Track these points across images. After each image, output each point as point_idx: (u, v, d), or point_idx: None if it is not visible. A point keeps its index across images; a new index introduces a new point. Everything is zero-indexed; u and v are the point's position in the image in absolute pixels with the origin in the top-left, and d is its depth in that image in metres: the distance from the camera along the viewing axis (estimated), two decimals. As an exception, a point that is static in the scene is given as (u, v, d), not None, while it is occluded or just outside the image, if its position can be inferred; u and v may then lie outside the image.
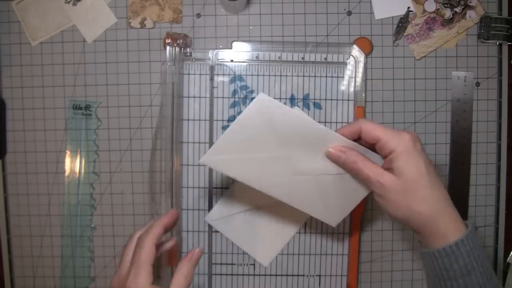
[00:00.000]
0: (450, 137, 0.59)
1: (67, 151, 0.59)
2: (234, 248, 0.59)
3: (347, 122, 0.58)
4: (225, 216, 0.58)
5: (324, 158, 0.48)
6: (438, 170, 0.59)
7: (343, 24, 0.58)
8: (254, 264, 0.59)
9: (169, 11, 0.58)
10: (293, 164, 0.48)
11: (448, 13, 0.58)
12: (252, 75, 0.58)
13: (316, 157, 0.48)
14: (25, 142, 0.59)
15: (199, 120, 0.58)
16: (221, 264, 0.59)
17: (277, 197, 0.49)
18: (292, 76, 0.58)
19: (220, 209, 0.58)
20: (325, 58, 0.58)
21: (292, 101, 0.58)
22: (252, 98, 0.58)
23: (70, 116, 0.59)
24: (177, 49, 0.55)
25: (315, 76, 0.58)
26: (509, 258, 0.60)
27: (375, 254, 0.60)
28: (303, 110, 0.58)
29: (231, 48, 0.58)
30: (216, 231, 0.59)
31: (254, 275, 0.59)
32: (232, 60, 0.58)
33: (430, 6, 0.58)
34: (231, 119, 0.58)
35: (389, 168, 0.42)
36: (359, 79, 0.58)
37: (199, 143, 0.58)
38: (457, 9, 0.58)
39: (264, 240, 0.58)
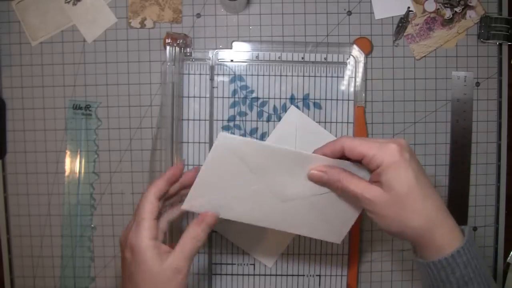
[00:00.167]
0: (450, 137, 0.59)
1: (67, 151, 0.59)
2: (234, 248, 0.59)
3: (347, 122, 0.58)
4: (226, 219, 0.58)
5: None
6: (438, 170, 0.59)
7: (343, 24, 0.58)
8: (254, 264, 0.59)
9: (169, 11, 0.58)
10: (279, 191, 0.47)
11: (448, 13, 0.58)
12: (252, 75, 0.58)
13: (301, 179, 0.47)
14: (25, 142, 0.59)
15: (199, 120, 0.58)
16: (221, 264, 0.59)
17: (273, 227, 0.48)
18: (292, 76, 0.58)
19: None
20: (325, 58, 0.58)
21: (292, 101, 0.58)
22: (252, 98, 0.58)
23: (70, 116, 0.59)
24: (177, 49, 0.55)
25: (315, 76, 0.58)
26: (509, 258, 0.60)
27: (375, 254, 0.60)
28: (303, 110, 0.58)
29: (231, 48, 0.58)
30: (216, 231, 0.59)
31: (254, 275, 0.59)
32: (232, 60, 0.58)
33: (430, 6, 0.58)
34: (231, 119, 0.58)
35: (377, 182, 0.40)
36: (359, 79, 0.58)
37: (199, 143, 0.58)
38: (457, 9, 0.58)
39: (266, 241, 0.58)
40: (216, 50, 0.58)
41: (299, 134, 0.56)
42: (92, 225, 0.59)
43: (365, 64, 0.58)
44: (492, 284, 0.41)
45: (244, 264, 0.59)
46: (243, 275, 0.59)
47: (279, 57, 0.58)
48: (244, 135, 0.58)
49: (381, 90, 0.58)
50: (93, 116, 0.59)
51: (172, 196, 0.47)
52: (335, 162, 0.44)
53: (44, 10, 0.58)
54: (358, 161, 0.42)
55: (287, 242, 0.59)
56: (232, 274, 0.59)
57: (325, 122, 0.58)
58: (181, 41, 0.55)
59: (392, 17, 0.58)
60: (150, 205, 0.42)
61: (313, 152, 0.46)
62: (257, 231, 0.58)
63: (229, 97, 0.58)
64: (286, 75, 0.58)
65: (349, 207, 0.48)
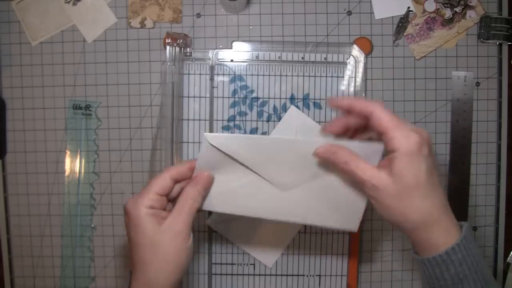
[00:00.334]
0: (450, 137, 0.59)
1: (67, 151, 0.59)
2: (234, 248, 0.59)
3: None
4: (227, 218, 0.58)
5: (310, 164, 0.45)
6: (438, 170, 0.59)
7: (343, 24, 0.58)
8: (254, 264, 0.59)
9: (169, 11, 0.58)
10: (277, 181, 0.47)
11: (448, 13, 0.58)
12: (252, 75, 0.58)
13: (296, 167, 0.46)
14: (25, 142, 0.59)
15: (199, 120, 0.58)
16: (221, 264, 0.59)
17: (279, 218, 0.47)
18: (292, 76, 0.58)
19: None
20: (325, 58, 0.58)
21: (292, 101, 0.58)
22: (252, 98, 0.58)
23: (70, 116, 0.59)
24: (177, 49, 0.55)
25: (315, 76, 0.58)
26: (509, 258, 0.60)
27: (375, 254, 0.60)
28: (302, 110, 0.58)
29: (231, 48, 0.58)
30: (216, 231, 0.59)
31: (254, 275, 0.59)
32: (232, 60, 0.58)
33: (430, 6, 0.58)
34: (231, 119, 0.58)
35: (386, 167, 0.39)
36: (359, 79, 0.58)
37: (199, 143, 0.58)
38: (457, 9, 0.58)
39: (266, 240, 0.58)
40: (216, 50, 0.58)
41: (299, 134, 0.56)
42: (92, 225, 0.59)
43: (365, 64, 0.58)
44: (491, 282, 0.40)
45: (244, 264, 0.59)
46: (243, 275, 0.59)
47: (279, 57, 0.58)
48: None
49: (381, 90, 0.58)
50: (93, 116, 0.59)
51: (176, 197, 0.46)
52: (342, 143, 0.42)
53: (44, 10, 0.58)
54: (379, 134, 0.40)
55: (287, 242, 0.59)
56: (232, 274, 0.59)
57: (325, 122, 0.58)
58: (181, 41, 0.55)
59: (392, 17, 0.58)
60: (160, 180, 0.42)
61: (340, 102, 0.43)
62: (257, 231, 0.58)
63: (229, 97, 0.58)
64: (286, 75, 0.58)
65: (355, 188, 0.46)
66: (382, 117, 0.39)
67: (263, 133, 0.58)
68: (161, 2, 0.58)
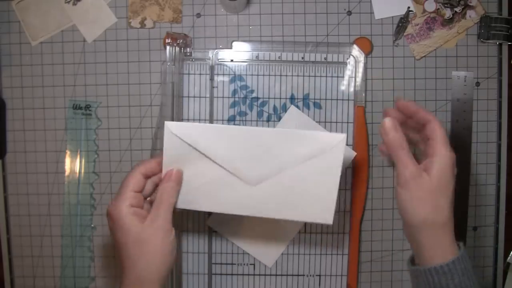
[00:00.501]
0: (450, 137, 0.59)
1: (67, 151, 0.59)
2: (234, 248, 0.59)
3: (347, 122, 0.58)
4: (227, 218, 0.58)
5: (276, 156, 0.46)
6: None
7: (343, 24, 0.58)
8: (254, 264, 0.59)
9: (169, 11, 0.58)
10: (244, 175, 0.47)
11: (448, 13, 0.58)
12: (252, 75, 0.58)
13: (264, 158, 0.47)
14: (25, 142, 0.59)
15: (199, 120, 0.58)
16: (221, 264, 0.59)
17: (250, 214, 0.47)
18: (292, 76, 0.58)
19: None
20: (325, 58, 0.58)
21: (292, 101, 0.58)
22: (252, 98, 0.58)
23: (70, 116, 0.59)
24: (177, 49, 0.55)
25: (315, 76, 0.58)
26: (509, 258, 0.60)
27: (375, 254, 0.60)
28: (303, 110, 0.58)
29: (231, 48, 0.58)
30: (216, 231, 0.59)
31: (254, 275, 0.59)
32: (232, 60, 0.58)
33: (430, 6, 0.58)
34: (231, 119, 0.58)
35: (426, 167, 0.43)
36: (359, 79, 0.58)
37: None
38: (457, 9, 0.58)
39: (266, 240, 0.58)
40: (216, 50, 0.58)
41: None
42: (92, 225, 0.59)
43: (365, 64, 0.58)
44: None
45: (244, 264, 0.59)
46: (243, 275, 0.59)
47: (279, 57, 0.58)
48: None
49: (381, 90, 0.58)
50: (93, 116, 0.59)
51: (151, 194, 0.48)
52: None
53: (44, 10, 0.58)
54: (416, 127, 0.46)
55: (287, 241, 0.59)
56: (232, 274, 0.59)
57: (325, 122, 0.58)
58: (181, 41, 0.55)
59: (392, 17, 0.58)
60: (132, 178, 0.45)
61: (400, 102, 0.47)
62: (257, 231, 0.58)
63: (229, 97, 0.58)
64: (286, 75, 0.58)
65: (325, 178, 0.47)
66: (438, 127, 0.43)
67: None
68: (161, 2, 0.58)
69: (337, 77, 0.58)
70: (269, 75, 0.58)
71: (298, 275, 0.59)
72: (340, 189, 0.57)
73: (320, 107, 0.58)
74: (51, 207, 0.59)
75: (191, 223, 0.59)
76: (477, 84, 0.59)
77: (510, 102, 0.59)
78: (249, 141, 0.46)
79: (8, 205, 0.60)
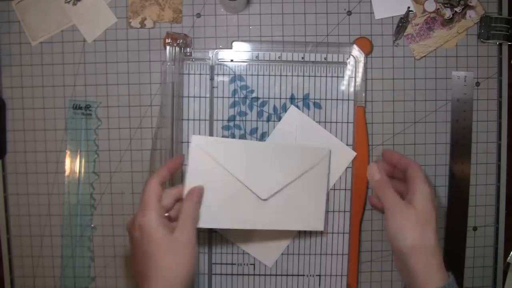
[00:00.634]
0: (450, 137, 0.59)
1: (67, 151, 0.59)
2: (234, 248, 0.59)
3: (347, 122, 0.58)
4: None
5: (279, 169, 0.52)
6: (438, 170, 0.59)
7: (343, 24, 0.58)
8: (254, 264, 0.59)
9: (169, 11, 0.58)
10: (258, 188, 0.52)
11: (448, 13, 0.58)
12: (252, 75, 0.58)
13: (274, 171, 0.52)
14: (25, 142, 0.59)
15: (199, 120, 0.58)
16: (221, 264, 0.59)
17: (257, 227, 0.53)
18: (292, 76, 0.58)
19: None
20: (325, 58, 0.58)
21: (292, 101, 0.58)
22: (252, 98, 0.58)
23: (70, 116, 0.59)
24: (177, 49, 0.55)
25: (315, 76, 0.58)
26: (509, 258, 0.60)
27: (375, 254, 0.60)
28: (303, 110, 0.58)
29: (231, 48, 0.58)
30: (216, 231, 0.59)
31: (254, 275, 0.59)
32: (232, 60, 0.58)
33: (430, 6, 0.58)
34: (231, 119, 0.58)
35: (408, 200, 0.48)
36: (359, 79, 0.58)
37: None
38: (457, 9, 0.58)
39: (266, 240, 0.58)
40: (216, 50, 0.58)
41: (299, 134, 0.56)
42: (92, 225, 0.59)
43: (365, 64, 0.58)
44: None
45: (244, 264, 0.59)
46: (243, 275, 0.59)
47: (279, 57, 0.58)
48: (244, 135, 0.58)
49: (381, 90, 0.58)
50: (93, 116, 0.59)
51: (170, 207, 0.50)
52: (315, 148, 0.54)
53: (44, 10, 0.58)
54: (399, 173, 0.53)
55: (287, 242, 0.59)
56: (232, 274, 0.59)
57: (325, 122, 0.58)
58: (181, 41, 0.55)
59: (392, 17, 0.58)
60: (153, 190, 0.46)
61: (384, 153, 0.54)
62: (257, 231, 0.58)
63: (229, 97, 0.58)
64: (286, 75, 0.58)
65: (316, 189, 0.54)
66: (418, 169, 0.50)
67: (263, 133, 0.58)
68: (161, 2, 0.58)
69: (337, 77, 0.58)
70: (269, 75, 0.58)
71: (298, 275, 0.59)
72: (340, 189, 0.58)
73: (320, 107, 0.58)
74: (51, 207, 0.59)
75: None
76: (477, 84, 0.59)
77: (510, 102, 0.59)
78: (260, 156, 0.52)
79: (8, 205, 0.60)
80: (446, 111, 0.59)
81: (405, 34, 0.58)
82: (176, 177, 0.56)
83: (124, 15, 0.58)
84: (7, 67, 0.59)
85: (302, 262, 0.59)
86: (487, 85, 0.59)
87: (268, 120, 0.58)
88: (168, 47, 0.54)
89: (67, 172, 0.59)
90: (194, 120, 0.58)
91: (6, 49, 0.59)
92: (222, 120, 0.58)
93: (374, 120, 0.58)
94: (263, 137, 0.58)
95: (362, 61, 0.58)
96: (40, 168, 0.59)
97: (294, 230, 0.58)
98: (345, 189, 0.58)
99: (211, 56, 0.57)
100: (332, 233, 0.59)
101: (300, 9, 0.58)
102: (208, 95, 0.58)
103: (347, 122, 0.58)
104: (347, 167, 0.58)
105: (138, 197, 0.59)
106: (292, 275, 0.59)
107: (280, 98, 0.58)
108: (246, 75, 0.58)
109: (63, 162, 0.59)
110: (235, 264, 0.59)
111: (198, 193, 0.49)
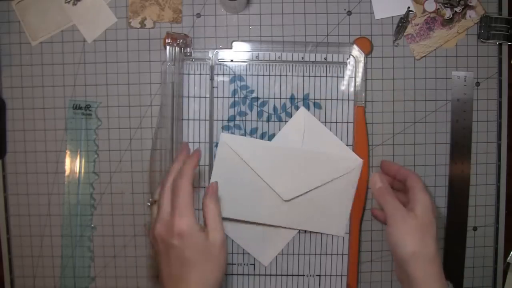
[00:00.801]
0: (450, 137, 0.59)
1: (67, 151, 0.59)
2: (234, 248, 0.59)
3: (347, 122, 0.58)
4: (227, 215, 0.58)
5: (308, 174, 0.54)
6: (438, 170, 0.59)
7: (343, 24, 0.58)
8: (254, 264, 0.59)
9: (169, 11, 0.58)
10: (281, 190, 0.54)
11: (448, 13, 0.58)
12: (252, 75, 0.58)
13: (300, 176, 0.54)
14: (25, 142, 0.59)
15: (199, 120, 0.58)
16: (221, 264, 0.59)
17: (277, 224, 0.56)
18: (292, 76, 0.58)
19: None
20: (325, 58, 0.58)
21: (292, 101, 0.58)
22: (252, 98, 0.58)
23: (70, 116, 0.59)
24: (177, 49, 0.55)
25: (315, 76, 0.58)
26: (509, 258, 0.60)
27: (375, 254, 0.60)
28: (303, 110, 0.58)
29: (231, 48, 0.58)
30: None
31: (254, 275, 0.59)
32: (232, 60, 0.58)
33: (430, 6, 0.58)
34: (231, 119, 0.58)
35: (410, 209, 0.49)
36: (359, 79, 0.58)
37: (199, 143, 0.58)
38: (457, 9, 0.58)
39: (265, 239, 0.58)
40: (216, 50, 0.58)
41: (306, 136, 0.57)
42: (92, 225, 0.59)
43: (365, 64, 0.58)
44: None
45: (244, 264, 0.59)
46: (243, 275, 0.59)
47: (279, 57, 0.58)
48: (244, 135, 0.58)
49: (381, 90, 0.58)
50: (93, 116, 0.59)
51: None
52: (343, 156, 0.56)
53: (44, 10, 0.58)
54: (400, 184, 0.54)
55: (285, 242, 0.59)
56: (232, 274, 0.59)
57: (325, 122, 0.58)
58: (181, 41, 0.55)
59: (392, 17, 0.58)
60: (189, 194, 0.45)
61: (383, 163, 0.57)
62: (256, 229, 0.58)
63: (229, 97, 0.58)
64: (286, 75, 0.58)
65: (342, 196, 0.56)
66: (417, 179, 0.51)
67: (263, 133, 0.58)
68: (161, 2, 0.58)
69: (337, 77, 0.58)
70: (269, 75, 0.58)
71: (298, 275, 0.59)
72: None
73: (320, 107, 0.58)
74: (51, 207, 0.59)
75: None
76: (477, 84, 0.59)
77: (510, 102, 0.59)
78: (288, 159, 0.55)
79: (8, 205, 0.60)
80: (446, 111, 0.59)
81: (405, 34, 0.58)
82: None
83: (124, 15, 0.58)
84: (7, 67, 0.59)
85: (302, 262, 0.59)
86: (487, 85, 0.59)
87: (268, 120, 0.58)
88: (168, 47, 0.54)
89: (67, 172, 0.59)
90: (194, 120, 0.58)
91: (6, 49, 0.59)
92: (222, 120, 0.58)
93: (374, 120, 0.58)
94: (262, 137, 0.58)
95: (362, 61, 0.58)
96: (40, 168, 0.59)
97: (293, 231, 0.58)
98: (345, 189, 0.58)
99: (211, 56, 0.57)
100: (332, 233, 0.59)
101: (300, 9, 0.58)
102: (208, 95, 0.58)
103: (347, 122, 0.58)
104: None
105: (138, 197, 0.59)
106: (292, 275, 0.59)
107: (280, 98, 0.58)
108: (246, 75, 0.58)
109: (63, 162, 0.59)
110: (234, 264, 0.59)
111: (216, 189, 0.48)
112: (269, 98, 0.58)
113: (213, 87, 0.58)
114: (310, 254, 0.59)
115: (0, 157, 0.59)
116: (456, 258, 0.59)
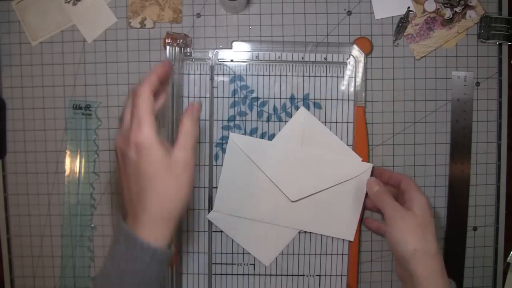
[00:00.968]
0: (450, 137, 0.59)
1: (67, 151, 0.59)
2: (234, 248, 0.59)
3: (347, 122, 0.58)
4: (227, 215, 0.58)
5: (315, 176, 0.55)
6: (438, 170, 0.59)
7: (343, 24, 0.58)
8: (254, 264, 0.59)
9: (169, 11, 0.58)
10: (288, 190, 0.55)
11: (448, 13, 0.58)
12: (252, 75, 0.58)
13: (308, 177, 0.55)
14: (25, 142, 0.59)
15: (199, 120, 0.58)
16: (221, 264, 0.59)
17: (283, 224, 0.56)
18: (292, 76, 0.58)
19: (222, 207, 0.58)
20: (325, 58, 0.58)
21: (292, 101, 0.58)
22: (252, 98, 0.58)
23: (70, 116, 0.59)
24: (177, 49, 0.55)
25: (315, 76, 0.58)
26: (509, 258, 0.60)
27: (375, 254, 0.60)
28: (303, 110, 0.58)
29: (231, 48, 0.58)
30: (216, 231, 0.59)
31: (254, 275, 0.59)
32: (232, 60, 0.58)
33: (430, 6, 0.58)
34: (231, 119, 0.58)
35: (407, 209, 0.50)
36: (359, 79, 0.58)
37: (199, 143, 0.58)
38: (457, 9, 0.58)
39: (266, 239, 0.58)
40: (216, 50, 0.58)
41: (306, 136, 0.57)
42: (92, 225, 0.59)
43: (365, 64, 0.58)
44: None
45: (244, 264, 0.59)
46: (243, 275, 0.59)
47: (279, 57, 0.58)
48: (244, 135, 0.58)
49: (381, 90, 0.58)
50: (93, 116, 0.59)
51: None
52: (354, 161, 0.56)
53: (44, 10, 0.58)
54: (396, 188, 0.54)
55: (286, 242, 0.59)
56: (232, 274, 0.59)
57: (325, 122, 0.58)
58: (181, 41, 0.55)
59: (392, 17, 0.58)
60: (148, 101, 0.41)
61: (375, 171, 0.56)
62: (257, 229, 0.58)
63: (229, 97, 0.58)
64: (286, 75, 0.58)
65: (352, 200, 0.56)
66: (410, 180, 0.52)
67: (263, 133, 0.58)
68: (161, 2, 0.58)
69: (337, 77, 0.58)
70: (269, 75, 0.58)
71: (298, 275, 0.59)
72: (340, 189, 0.58)
73: (320, 107, 0.58)
74: (51, 207, 0.59)
75: (191, 223, 0.59)
76: (477, 84, 0.59)
77: (510, 102, 0.59)
78: (296, 161, 0.55)
79: (8, 205, 0.60)
80: (446, 111, 0.59)
81: (405, 34, 0.58)
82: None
83: (124, 15, 0.58)
84: (7, 67, 0.59)
85: (302, 262, 0.59)
86: (487, 85, 0.59)
87: (268, 120, 0.58)
88: (168, 47, 0.54)
89: (67, 172, 0.59)
90: (194, 120, 0.58)
91: (6, 49, 0.59)
92: (222, 120, 0.58)
93: (374, 120, 0.58)
94: (262, 137, 0.58)
95: (362, 61, 0.58)
96: (40, 168, 0.59)
97: (294, 231, 0.58)
98: (345, 189, 0.58)
99: (211, 56, 0.57)
100: (332, 233, 0.59)
101: (300, 9, 0.58)
102: (208, 95, 0.58)
103: (347, 122, 0.58)
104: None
105: (138, 197, 0.59)
106: (292, 275, 0.59)
107: (280, 98, 0.58)
108: (246, 75, 0.58)
109: (63, 162, 0.59)
110: (235, 264, 0.59)
111: (197, 109, 0.44)
112: (269, 98, 0.58)
113: (213, 87, 0.58)
114: (310, 254, 0.59)
115: (0, 157, 0.59)
116: (456, 258, 0.59)
